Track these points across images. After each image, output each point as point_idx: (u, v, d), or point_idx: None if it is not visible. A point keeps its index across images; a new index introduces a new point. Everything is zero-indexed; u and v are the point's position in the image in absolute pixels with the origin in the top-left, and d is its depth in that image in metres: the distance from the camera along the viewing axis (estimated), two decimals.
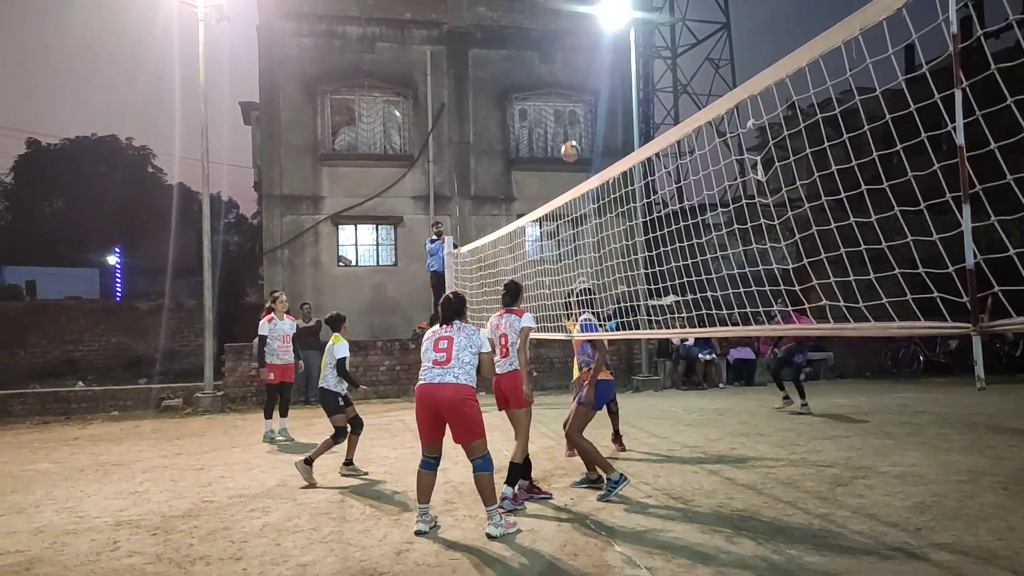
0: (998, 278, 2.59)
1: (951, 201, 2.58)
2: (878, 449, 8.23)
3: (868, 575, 4.36)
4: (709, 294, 5.50)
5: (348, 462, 7.77)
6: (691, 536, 5.22)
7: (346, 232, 18.85)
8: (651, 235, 6.67)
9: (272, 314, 10.35)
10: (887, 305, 3.18)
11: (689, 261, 6.02)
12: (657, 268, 6.53)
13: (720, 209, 6.20)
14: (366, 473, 7.76)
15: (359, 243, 18.96)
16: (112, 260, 37.50)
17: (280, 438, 10.14)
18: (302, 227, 18.34)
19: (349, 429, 7.80)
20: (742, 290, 5.10)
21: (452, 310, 5.71)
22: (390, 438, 9.83)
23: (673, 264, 6.23)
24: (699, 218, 6.09)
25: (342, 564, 4.80)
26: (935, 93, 2.70)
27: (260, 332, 10.32)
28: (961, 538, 5.02)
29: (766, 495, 6.38)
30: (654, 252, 6.71)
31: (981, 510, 5.69)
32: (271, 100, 18.40)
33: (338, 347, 7.85)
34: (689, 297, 6.53)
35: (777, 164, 3.82)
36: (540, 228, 16.78)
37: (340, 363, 7.79)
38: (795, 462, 7.77)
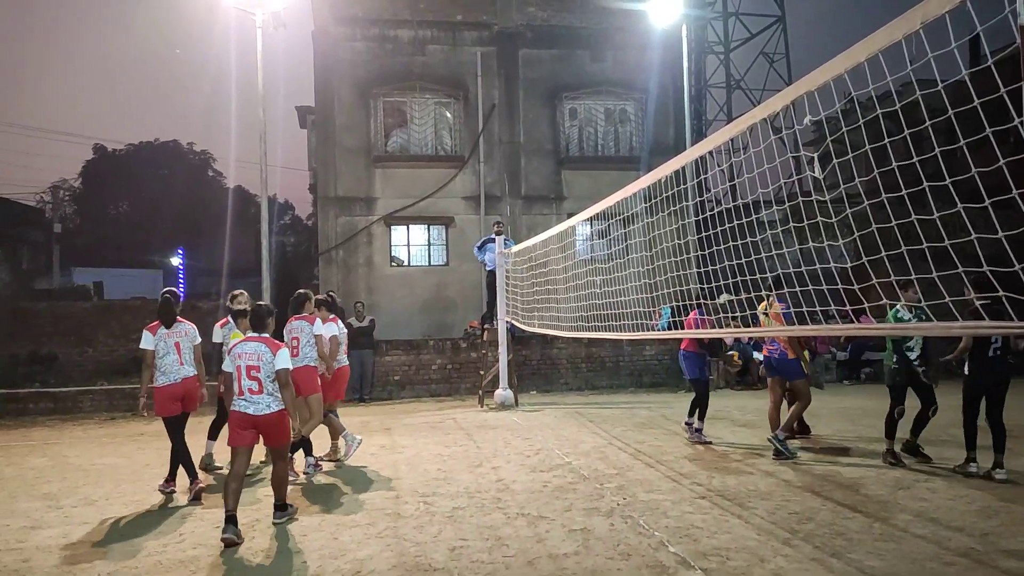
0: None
1: (1017, 197, 2.50)
2: (941, 451, 7.98)
3: None
4: (763, 293, 5.41)
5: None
6: (746, 538, 5.15)
7: (398, 232, 19.10)
8: (704, 234, 6.61)
9: (229, 318, 8.05)
10: (950, 304, 3.09)
11: (743, 260, 5.95)
12: (710, 267, 6.46)
13: (775, 207, 6.09)
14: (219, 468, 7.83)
15: (411, 243, 19.19)
16: (175, 261, 38.73)
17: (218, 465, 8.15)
18: (356, 228, 18.65)
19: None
20: (797, 289, 5.02)
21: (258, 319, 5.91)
22: (443, 435, 9.93)
23: (726, 263, 6.16)
24: (753, 216, 6.01)
25: (398, 559, 4.89)
26: (1000, 86, 2.63)
27: (214, 339, 7.98)
28: None
29: (824, 497, 6.26)
30: (707, 251, 6.64)
31: None
32: (326, 104, 18.76)
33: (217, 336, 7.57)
34: (743, 296, 6.45)
35: (835, 160, 3.76)
36: (591, 227, 16.75)
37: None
38: (854, 463, 7.60)
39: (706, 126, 31.36)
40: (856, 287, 4.01)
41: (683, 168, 6.35)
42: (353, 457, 8.26)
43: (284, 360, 5.64)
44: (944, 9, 2.63)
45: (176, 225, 39.80)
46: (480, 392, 13.25)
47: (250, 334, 5.88)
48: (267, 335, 5.83)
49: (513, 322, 12.84)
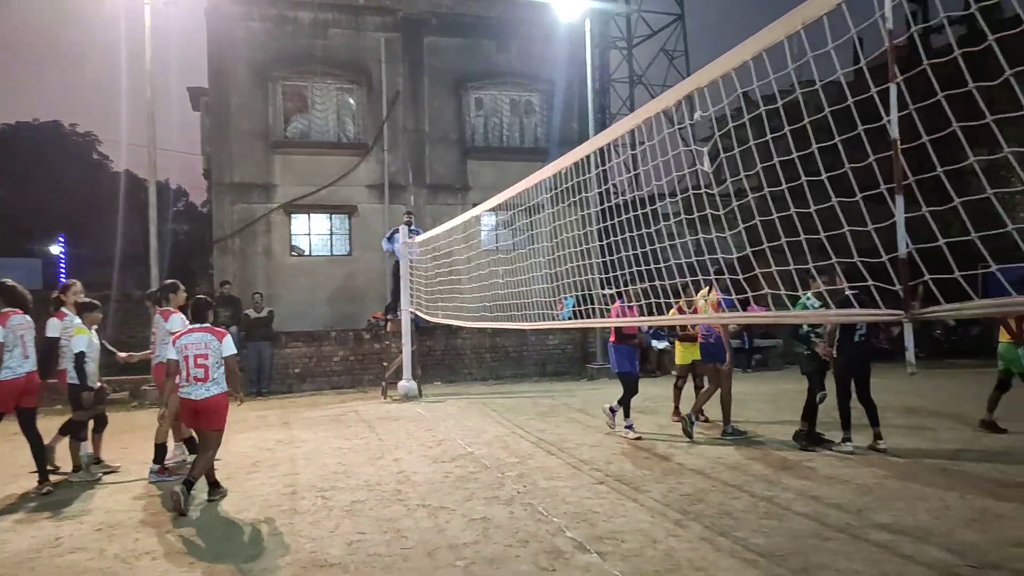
0: (929, 267, 2.68)
1: (886, 192, 2.66)
2: (822, 432, 8.44)
3: (810, 556, 4.50)
4: (659, 283, 5.56)
5: (97, 460, 7.52)
6: (640, 521, 5.30)
7: (299, 221, 18.56)
8: (605, 224, 6.72)
9: (64, 309, 7.52)
10: (825, 294, 3.25)
11: (640, 250, 6.09)
12: (611, 257, 6.58)
13: (670, 199, 6.25)
14: (116, 469, 7.57)
15: (312, 232, 18.68)
16: (55, 250, 36.26)
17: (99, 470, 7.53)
18: (254, 216, 17.98)
19: (92, 426, 7.46)
20: (700, 278, 5.18)
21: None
22: (344, 428, 9.75)
23: (626, 253, 6.29)
24: (651, 207, 6.15)
25: (292, 556, 4.76)
26: (871, 87, 2.78)
27: (50, 333, 7.35)
28: (900, 518, 5.20)
29: (714, 479, 6.51)
30: (608, 240, 6.75)
31: (920, 491, 5.90)
32: (220, 85, 17.97)
33: (76, 340, 7.11)
34: (641, 286, 6.61)
35: (723, 155, 3.89)
36: (496, 218, 16.79)
37: (77, 357, 7.04)
38: (743, 446, 7.94)
39: (610, 119, 31.92)
40: (741, 277, 4.17)
41: (586, 159, 6.45)
42: (248, 453, 7.99)
43: (230, 347, 6.21)
44: (822, 11, 2.76)
45: (58, 211, 37.29)
46: (383, 384, 13.08)
47: (194, 324, 6.33)
48: (208, 324, 6.31)
49: (417, 313, 12.73)
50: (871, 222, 2.95)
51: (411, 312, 12.78)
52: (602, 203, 7.10)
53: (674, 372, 16.19)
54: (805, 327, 7.73)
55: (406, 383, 12.61)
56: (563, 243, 7.89)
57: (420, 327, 13.63)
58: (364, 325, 16.61)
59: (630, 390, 8.80)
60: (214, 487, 6.37)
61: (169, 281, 8.01)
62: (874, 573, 4.19)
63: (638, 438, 8.48)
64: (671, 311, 8.73)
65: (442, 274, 11.57)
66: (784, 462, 7.11)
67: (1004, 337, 8.21)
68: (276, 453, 8.18)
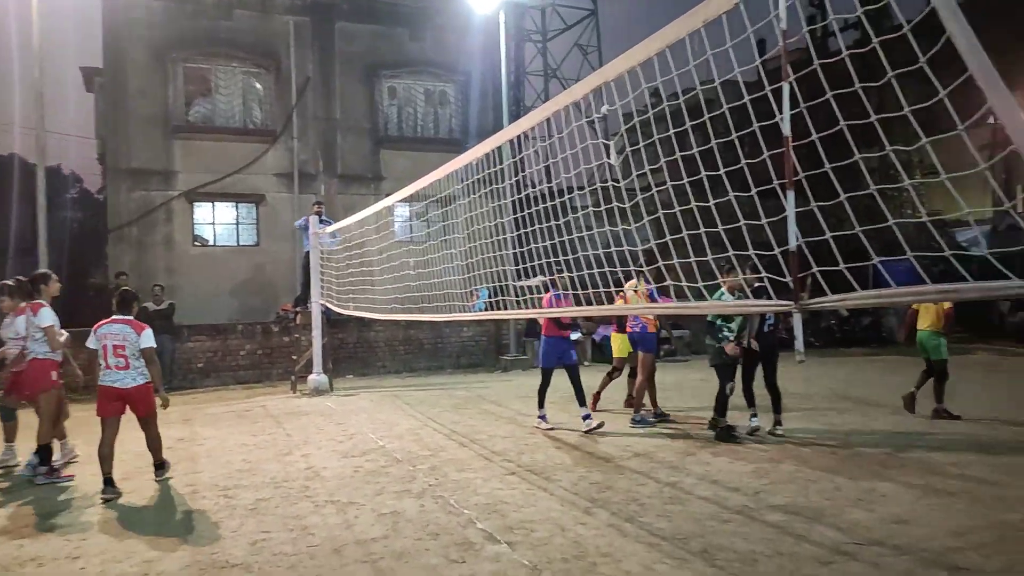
0: (825, 260, 2.81)
1: (778, 187, 2.77)
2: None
3: (710, 538, 4.66)
4: (576, 274, 5.60)
5: None
6: (551, 510, 5.37)
7: (202, 210, 17.85)
8: (519, 214, 6.74)
9: None
10: (745, 286, 3.35)
11: (552, 241, 6.14)
12: (525, 248, 6.60)
13: (578, 192, 6.33)
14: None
15: (217, 222, 18.01)
16: None
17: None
18: (153, 204, 17.17)
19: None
20: (609, 269, 5.25)
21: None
22: (250, 424, 9.45)
23: (540, 244, 6.33)
24: (563, 198, 6.21)
25: (191, 558, 4.58)
26: (766, 85, 2.88)
27: None
28: (794, 499, 5.46)
29: (623, 467, 6.66)
30: (522, 231, 6.78)
31: (812, 473, 6.21)
32: (116, 66, 17.05)
33: None
34: (556, 276, 6.67)
35: (628, 149, 3.96)
36: (410, 209, 16.62)
37: None
38: (651, 434, 8.15)
39: (524, 112, 32.07)
40: (646, 269, 4.26)
41: (498, 150, 6.45)
42: (146, 452, 7.62)
43: (148, 339, 6.35)
44: (721, 10, 2.84)
45: None
46: (292, 378, 12.76)
47: (116, 316, 6.38)
48: (131, 317, 6.41)
49: (328, 305, 12.46)
50: (768, 217, 3.07)
51: (322, 304, 12.50)
52: (516, 193, 7.13)
53: (586, 363, 16.69)
54: (718, 320, 7.84)
55: (316, 377, 12.35)
56: (477, 234, 7.86)
57: (331, 319, 13.35)
58: (273, 318, 16.15)
59: (545, 379, 8.77)
60: (108, 485, 6.10)
61: (40, 272, 7.49)
62: (769, 552, 4.38)
63: (551, 428, 8.53)
64: (618, 301, 8.80)
65: (354, 265, 11.37)
66: (689, 449, 7.34)
67: (923, 325, 8.61)
68: (176, 452, 7.84)
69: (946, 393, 8.67)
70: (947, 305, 8.47)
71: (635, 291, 8.61)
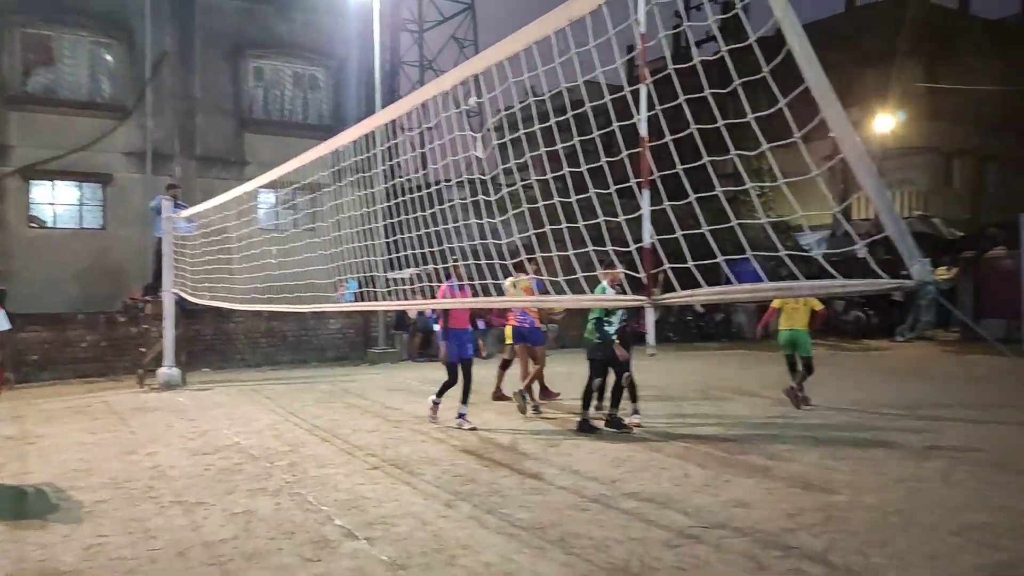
0: (669, 257, 2.94)
1: (635, 186, 2.86)
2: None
3: (567, 526, 4.78)
4: (449, 265, 5.55)
5: None
6: (412, 504, 5.32)
7: (41, 189, 16.38)
8: (390, 203, 6.61)
9: None
10: (582, 280, 3.45)
11: (425, 231, 6.05)
12: (396, 237, 6.47)
13: (446, 183, 6.29)
14: None
15: (57, 202, 16.58)
16: None
17: None
18: None
19: None
20: (484, 262, 5.23)
21: None
22: (90, 421, 8.77)
23: (411, 234, 6.22)
24: (435, 187, 6.14)
25: (14, 566, 4.19)
26: (625, 87, 2.97)
27: None
28: (647, 487, 5.70)
29: (486, 459, 6.71)
30: (393, 220, 6.64)
31: (664, 461, 6.51)
32: None
33: None
34: (428, 268, 6.59)
35: (495, 143, 3.98)
36: (276, 195, 15.97)
37: None
38: (514, 428, 8.26)
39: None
40: (510, 263, 4.30)
41: (370, 138, 6.29)
42: None
43: (4, 322, 6.43)
44: (585, 11, 2.90)
45: None
46: (140, 371, 11.96)
47: None
48: None
49: (181, 294, 11.77)
50: (626, 215, 3.17)
51: (175, 293, 11.79)
52: (387, 182, 7.00)
53: (484, 354, 16.67)
54: (603, 315, 7.83)
55: (167, 370, 11.64)
56: (345, 223, 7.64)
57: (186, 309, 12.62)
58: (119, 307, 15.05)
59: (467, 377, 8.25)
60: None
61: None
62: (621, 538, 4.54)
63: (433, 418, 8.35)
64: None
65: (211, 253, 10.79)
66: (552, 440, 7.50)
67: (794, 324, 9.00)
68: (2, 451, 7.16)
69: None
70: (820, 306, 9.13)
71: (514, 285, 8.69)
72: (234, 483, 5.94)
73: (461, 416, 8.19)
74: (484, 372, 9.80)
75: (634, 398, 8.26)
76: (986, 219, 26.53)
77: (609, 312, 7.85)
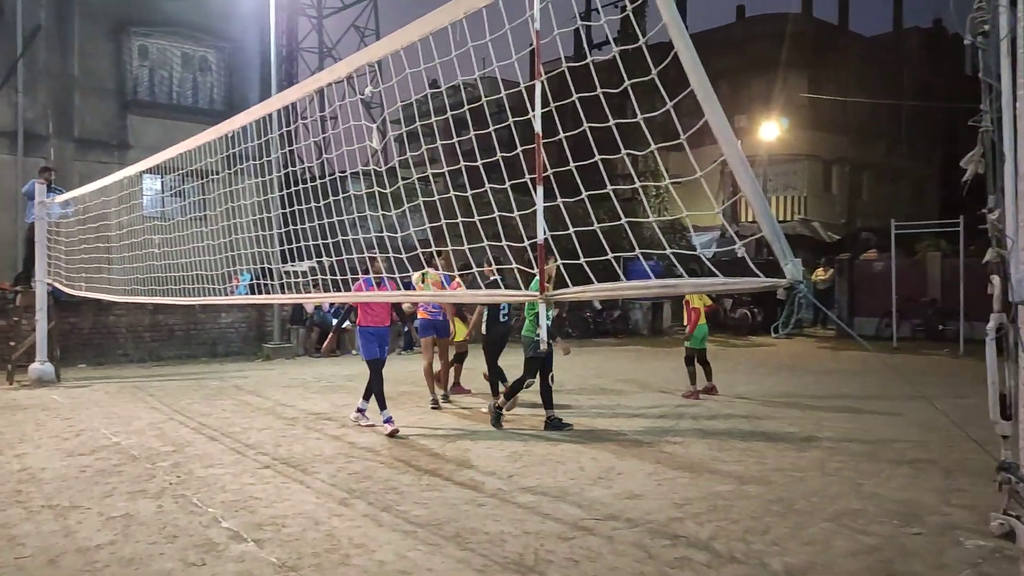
0: (564, 254, 2.98)
1: (529, 182, 2.88)
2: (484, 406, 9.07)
3: (464, 522, 4.77)
4: (347, 258, 5.42)
5: None
6: (305, 503, 5.18)
7: None
8: (284, 191, 6.38)
9: None
10: (477, 275, 3.43)
11: (324, 221, 5.88)
12: (292, 227, 6.25)
13: (341, 174, 6.13)
14: None
15: None
16: None
17: None
18: None
19: None
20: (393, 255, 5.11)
21: None
22: None
23: (309, 225, 6.03)
24: (332, 176, 5.97)
25: None
26: (520, 83, 2.98)
27: None
28: (543, 481, 5.77)
29: (383, 456, 6.62)
30: (288, 210, 6.42)
31: (560, 455, 6.61)
32: None
33: None
34: (326, 260, 6.40)
35: (390, 135, 3.91)
36: (162, 182, 15.16)
37: None
38: (414, 424, 8.18)
39: None
40: (404, 256, 4.25)
41: (266, 122, 6.04)
42: None
43: None
44: (481, 4, 2.89)
45: None
46: (10, 367, 11.10)
47: None
48: None
49: (56, 285, 11.01)
50: (520, 211, 3.19)
51: (48, 284, 11.02)
52: (282, 169, 6.75)
53: (355, 351, 16.38)
54: (538, 308, 7.74)
55: (39, 366, 10.87)
56: (238, 212, 7.32)
57: (61, 301, 11.82)
58: None
59: (376, 377, 7.68)
60: None
61: None
62: (517, 532, 4.58)
63: (395, 431, 7.42)
64: (452, 285, 8.77)
65: (89, 241, 10.13)
66: (450, 435, 7.47)
67: (702, 320, 9.55)
68: None
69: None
70: (709, 302, 9.67)
71: (423, 279, 8.62)
72: (112, 485, 5.61)
73: (360, 411, 7.98)
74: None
75: (495, 391, 8.67)
76: (861, 224, 28.43)
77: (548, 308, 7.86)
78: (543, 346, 7.02)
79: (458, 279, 8.64)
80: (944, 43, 35.50)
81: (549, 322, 7.94)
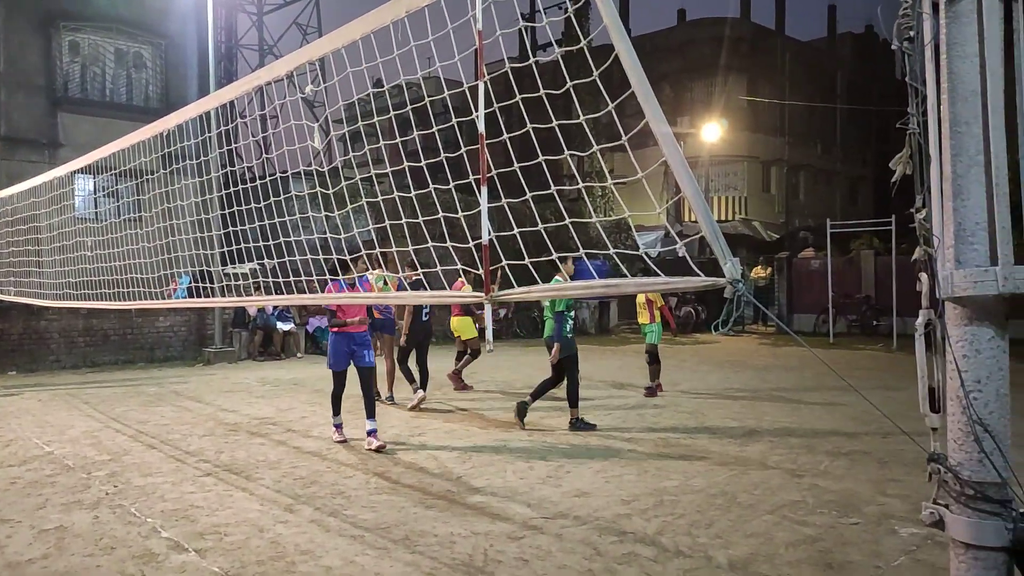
0: (506, 254, 2.99)
1: (473, 183, 2.88)
2: (437, 408, 9.04)
3: (412, 525, 4.74)
4: (289, 259, 5.30)
5: None
6: (248, 511, 5.07)
7: None
8: (225, 192, 6.21)
9: None
10: (440, 274, 3.42)
11: (268, 221, 5.75)
12: (233, 228, 6.09)
13: (283, 174, 5.98)
14: None
15: None
16: None
17: None
18: None
19: None
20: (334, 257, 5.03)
21: None
22: None
23: (250, 226, 5.89)
24: (275, 175, 5.84)
25: None
26: (464, 83, 2.98)
27: None
28: (492, 481, 5.77)
29: (330, 460, 6.53)
30: (227, 211, 6.25)
31: (510, 456, 6.62)
32: None
33: None
34: (268, 262, 6.26)
35: (332, 135, 3.86)
36: (95, 182, 14.66)
37: None
38: (361, 426, 8.08)
39: None
40: (348, 258, 4.18)
41: (206, 122, 5.89)
42: None
43: None
44: (424, 2, 2.87)
45: None
46: None
47: None
48: None
49: None
50: (466, 212, 3.18)
51: None
52: (221, 169, 6.59)
53: (299, 355, 16.13)
54: (563, 307, 7.73)
55: None
56: (176, 212, 7.11)
57: None
58: None
59: (338, 384, 7.23)
60: None
61: None
62: (466, 533, 4.57)
63: (343, 441, 7.13)
64: (456, 284, 9.41)
65: (17, 244, 9.73)
66: (399, 437, 7.41)
67: (644, 319, 9.81)
68: None
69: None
70: (662, 302, 10.01)
71: (385, 281, 8.52)
72: (45, 497, 5.40)
73: (371, 434, 6.94)
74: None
75: (424, 384, 9.12)
76: (798, 223, 29.28)
77: (569, 307, 7.87)
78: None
79: (462, 279, 9.47)
80: (876, 48, 36.82)
81: (568, 325, 7.83)
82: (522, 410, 7.83)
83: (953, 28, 1.93)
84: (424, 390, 9.01)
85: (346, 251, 4.47)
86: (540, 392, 8.07)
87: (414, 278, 6.54)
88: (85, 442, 7.29)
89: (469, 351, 10.53)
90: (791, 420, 8.15)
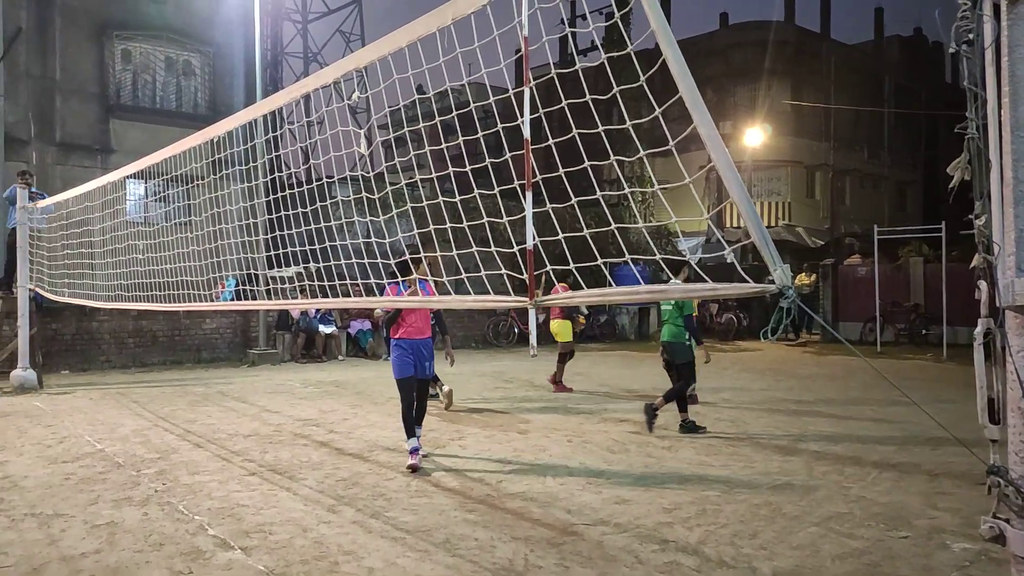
0: (551, 259, 2.99)
1: (519, 188, 2.89)
2: (472, 412, 9.06)
3: (453, 528, 4.76)
4: (334, 263, 5.38)
5: None
6: (292, 510, 5.14)
7: None
8: (273, 196, 6.33)
9: None
10: (465, 281, 3.45)
11: (313, 226, 5.84)
12: (278, 233, 6.20)
13: (329, 179, 6.08)
14: None
15: None
16: None
17: None
18: None
19: None
20: (370, 261, 5.09)
21: None
22: None
23: (295, 230, 5.99)
24: (318, 182, 5.94)
25: None
26: (510, 89, 3.00)
27: None
28: (532, 486, 5.76)
29: (371, 462, 6.59)
30: (274, 215, 6.37)
31: (550, 460, 6.61)
32: None
33: None
34: (312, 266, 6.35)
35: (378, 140, 3.91)
36: (146, 187, 15.05)
37: None
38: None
39: None
40: (393, 262, 4.22)
41: (251, 127, 6.02)
42: None
43: None
44: (469, 10, 2.89)
45: None
46: None
47: None
48: None
49: (38, 290, 10.90)
50: (509, 217, 3.19)
51: (31, 289, 10.90)
52: (268, 175, 6.71)
53: (340, 357, 16.33)
54: (689, 311, 7.69)
55: (21, 372, 10.74)
56: (223, 217, 7.27)
57: (42, 306, 11.70)
58: None
59: (405, 397, 6.48)
60: None
61: None
62: (506, 538, 4.57)
63: (415, 467, 6.27)
64: (554, 289, 8.94)
65: (71, 247, 10.04)
66: (436, 441, 7.45)
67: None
68: None
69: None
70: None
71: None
72: (96, 493, 5.55)
73: (413, 453, 6.38)
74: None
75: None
76: (844, 229, 28.70)
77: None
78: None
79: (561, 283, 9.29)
80: (924, 51, 35.97)
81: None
82: (652, 415, 7.70)
83: (1016, 30, 1.87)
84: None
85: (390, 255, 4.51)
86: (672, 397, 7.85)
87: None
88: (135, 440, 7.48)
89: (560, 354, 10.70)
90: (837, 430, 7.97)
